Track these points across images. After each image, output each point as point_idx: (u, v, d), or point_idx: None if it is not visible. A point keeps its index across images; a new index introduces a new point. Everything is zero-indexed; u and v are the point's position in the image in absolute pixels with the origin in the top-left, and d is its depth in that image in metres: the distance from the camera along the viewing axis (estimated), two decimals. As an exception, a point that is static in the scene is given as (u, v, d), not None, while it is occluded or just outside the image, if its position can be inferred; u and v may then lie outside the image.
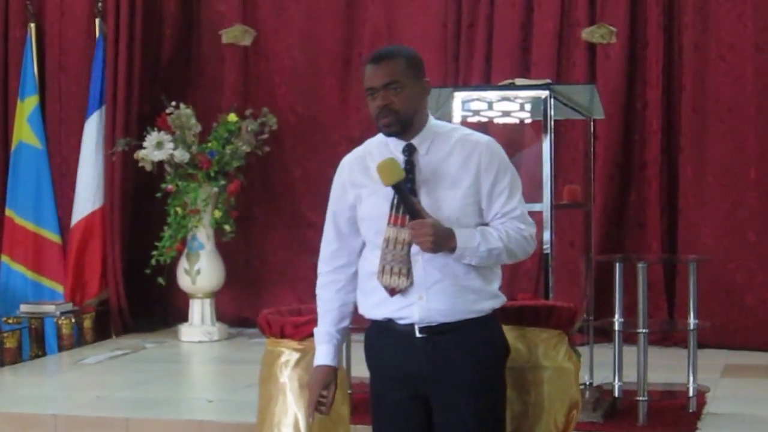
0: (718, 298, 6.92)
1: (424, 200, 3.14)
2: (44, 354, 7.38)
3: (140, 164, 7.58)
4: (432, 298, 3.15)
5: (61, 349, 7.42)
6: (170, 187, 7.52)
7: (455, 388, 3.17)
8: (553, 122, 4.91)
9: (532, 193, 4.19)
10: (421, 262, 3.14)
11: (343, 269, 3.33)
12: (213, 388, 6.47)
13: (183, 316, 7.86)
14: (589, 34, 7.34)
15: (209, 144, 7.55)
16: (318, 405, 3.34)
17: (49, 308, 7.58)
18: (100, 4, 8.07)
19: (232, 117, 7.61)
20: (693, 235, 7.14)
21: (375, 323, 3.30)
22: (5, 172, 8.25)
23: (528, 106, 5.34)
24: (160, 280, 7.63)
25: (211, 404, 5.74)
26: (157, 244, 7.55)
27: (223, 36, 8.13)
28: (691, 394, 5.27)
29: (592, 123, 5.71)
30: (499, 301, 3.28)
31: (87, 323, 7.67)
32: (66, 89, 8.26)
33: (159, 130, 7.51)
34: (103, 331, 7.84)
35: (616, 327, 5.28)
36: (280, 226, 8.15)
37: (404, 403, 3.24)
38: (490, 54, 7.49)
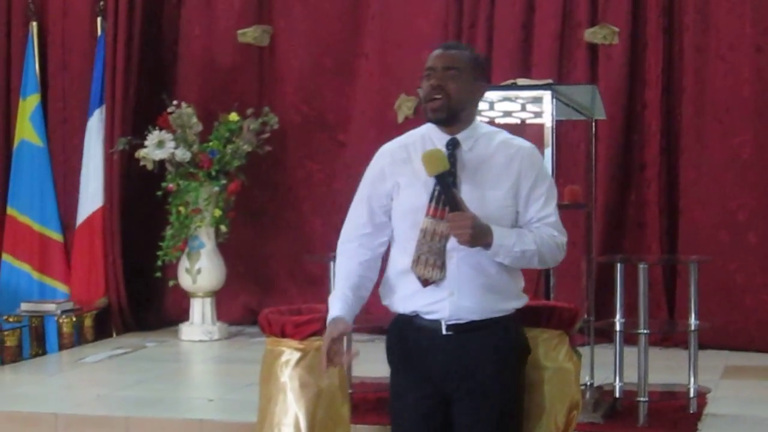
0: (718, 299, 6.91)
1: (465, 197, 3.15)
2: (45, 353, 7.38)
3: (141, 163, 7.58)
4: (463, 295, 3.18)
5: (61, 347, 7.43)
6: (171, 186, 7.52)
7: (477, 386, 3.20)
8: (554, 122, 4.91)
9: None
10: (456, 258, 3.17)
11: (370, 248, 3.31)
12: (213, 388, 6.47)
13: (184, 315, 7.86)
14: (591, 34, 7.35)
15: (210, 143, 7.55)
16: (331, 357, 3.22)
17: (50, 307, 7.58)
18: (101, 3, 8.07)
19: (233, 116, 7.61)
20: (693, 235, 7.13)
21: (398, 320, 3.31)
22: (8, 171, 8.26)
23: (529, 107, 5.34)
24: (171, 282, 7.66)
25: (211, 403, 5.74)
26: (161, 244, 7.55)
27: (239, 36, 8.13)
28: (691, 395, 5.27)
29: (593, 124, 5.72)
30: (523, 301, 3.33)
31: (87, 322, 7.67)
32: (68, 88, 8.28)
33: (160, 129, 7.52)
34: (103, 330, 7.84)
35: (617, 327, 5.27)
36: (281, 225, 8.15)
37: (424, 400, 3.25)
38: (491, 54, 7.48)
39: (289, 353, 3.94)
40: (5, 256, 8.16)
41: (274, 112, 7.72)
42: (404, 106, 7.64)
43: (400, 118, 7.61)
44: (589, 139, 5.87)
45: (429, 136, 3.26)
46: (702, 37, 7.16)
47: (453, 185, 3.16)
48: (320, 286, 6.03)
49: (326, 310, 4.13)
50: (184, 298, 7.86)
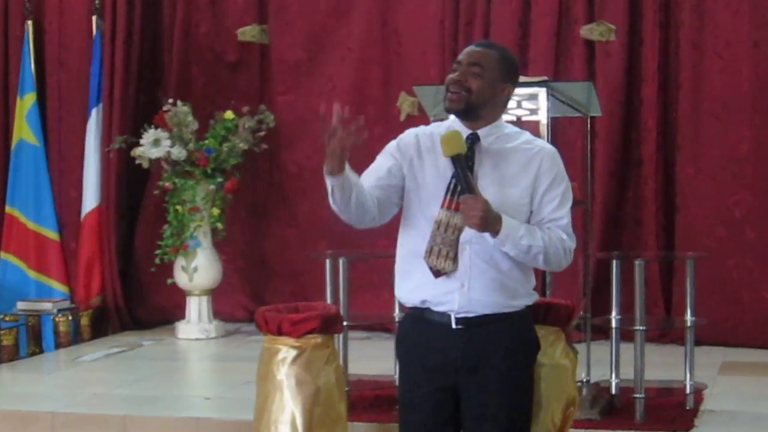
0: (715, 295, 6.91)
1: (482, 192, 3.16)
2: (41, 351, 7.37)
3: (137, 161, 7.57)
4: (474, 287, 3.20)
5: (58, 346, 7.42)
6: (167, 184, 7.51)
7: (487, 380, 3.22)
8: (550, 119, 4.91)
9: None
10: (468, 251, 3.20)
11: (383, 189, 3.25)
12: (210, 386, 6.47)
13: (180, 314, 7.85)
14: (588, 31, 7.34)
15: (206, 141, 7.54)
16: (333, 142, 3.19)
17: (47, 306, 7.58)
18: (97, 2, 8.07)
19: (229, 114, 7.60)
20: (690, 232, 7.13)
21: (409, 315, 3.35)
22: (6, 170, 8.25)
23: (525, 104, 5.33)
24: (169, 281, 7.65)
25: (208, 401, 5.73)
26: (159, 243, 7.54)
27: (239, 35, 8.12)
28: (688, 391, 5.27)
29: (589, 120, 5.71)
30: (533, 298, 3.35)
31: (84, 321, 7.66)
32: (65, 86, 8.27)
33: (156, 128, 7.50)
34: (100, 329, 7.84)
35: (614, 324, 5.28)
36: (278, 223, 8.14)
37: (434, 394, 3.26)
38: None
39: (286, 351, 3.94)
40: (5, 255, 8.16)
41: (270, 109, 7.72)
42: (405, 105, 7.65)
43: (403, 116, 7.63)
44: (585, 136, 5.88)
45: (452, 128, 3.28)
46: (699, 33, 7.15)
47: (469, 170, 3.17)
48: (317, 284, 6.02)
49: (323, 308, 4.15)
50: (180, 296, 7.86)
